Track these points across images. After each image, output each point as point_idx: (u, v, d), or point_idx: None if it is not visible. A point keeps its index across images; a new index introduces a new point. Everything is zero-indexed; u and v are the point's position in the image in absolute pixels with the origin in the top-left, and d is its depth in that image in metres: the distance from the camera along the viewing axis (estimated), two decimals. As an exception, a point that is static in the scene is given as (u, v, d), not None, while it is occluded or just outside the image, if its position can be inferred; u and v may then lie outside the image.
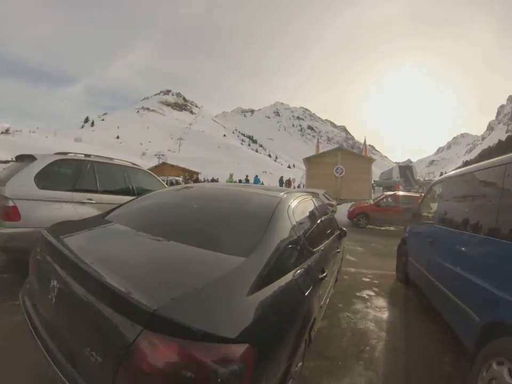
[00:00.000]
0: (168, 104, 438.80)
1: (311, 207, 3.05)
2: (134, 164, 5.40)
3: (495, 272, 2.38)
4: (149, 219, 2.36)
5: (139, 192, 4.75)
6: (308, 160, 26.06)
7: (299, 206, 2.59)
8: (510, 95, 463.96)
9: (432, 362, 2.85)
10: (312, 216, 2.93)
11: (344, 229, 4.35)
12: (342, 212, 14.50)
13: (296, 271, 1.88)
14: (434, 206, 4.44)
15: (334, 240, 3.49)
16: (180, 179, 23.46)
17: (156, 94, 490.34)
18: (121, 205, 2.75)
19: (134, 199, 2.93)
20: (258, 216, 2.13)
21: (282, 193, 2.56)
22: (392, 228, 13.55)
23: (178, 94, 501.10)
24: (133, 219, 2.36)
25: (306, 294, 1.88)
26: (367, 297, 4.48)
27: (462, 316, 2.63)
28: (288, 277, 1.77)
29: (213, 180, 40.83)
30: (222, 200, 2.58)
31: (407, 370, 2.69)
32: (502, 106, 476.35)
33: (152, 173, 5.85)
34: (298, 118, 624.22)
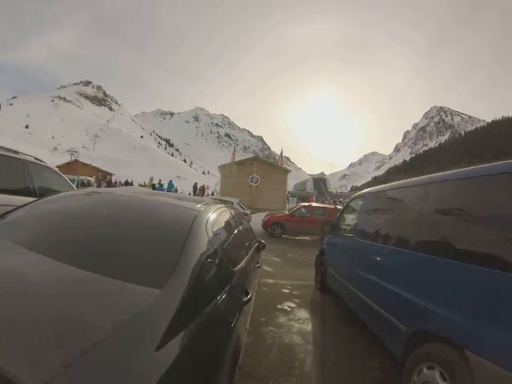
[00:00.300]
0: (86, 97, 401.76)
1: (230, 221, 2.79)
2: (37, 159, 4.51)
3: (419, 284, 2.56)
4: (34, 232, 1.82)
5: (42, 193, 3.95)
6: (223, 168, 26.06)
7: (218, 219, 2.31)
8: (414, 123, 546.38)
9: (362, 369, 2.93)
10: (231, 230, 2.68)
11: (263, 241, 4.26)
12: (256, 221, 14.66)
13: (219, 300, 1.64)
14: (353, 219, 4.65)
15: (254, 254, 3.32)
16: (92, 179, 21.38)
17: (75, 84, 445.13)
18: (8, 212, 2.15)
19: (32, 201, 2.34)
20: (174, 233, 1.79)
21: (199, 205, 2.25)
22: (307, 238, 14.20)
23: (99, 88, 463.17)
24: (14, 231, 1.83)
25: (232, 324, 1.69)
26: (289, 309, 4.45)
27: (388, 325, 2.78)
28: (211, 309, 1.51)
29: (126, 183, 37.95)
30: (132, 213, 2.13)
31: (341, 381, 2.72)
32: (407, 132, 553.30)
33: (59, 172, 5.04)
34: (217, 125, 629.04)
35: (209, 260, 1.73)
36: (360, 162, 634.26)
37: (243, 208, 14.31)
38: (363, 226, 4.15)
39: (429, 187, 2.93)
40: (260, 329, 3.57)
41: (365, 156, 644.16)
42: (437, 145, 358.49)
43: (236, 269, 2.17)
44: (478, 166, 2.51)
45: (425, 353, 2.21)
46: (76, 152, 69.32)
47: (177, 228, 1.85)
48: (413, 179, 3.45)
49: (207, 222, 2.00)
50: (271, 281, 5.92)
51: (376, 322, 3.16)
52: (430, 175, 3.12)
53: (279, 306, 4.47)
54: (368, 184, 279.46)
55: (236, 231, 2.80)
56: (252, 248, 3.30)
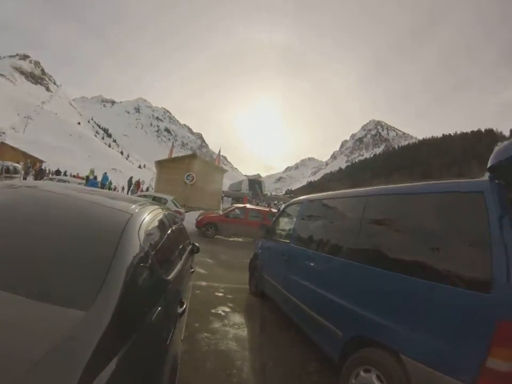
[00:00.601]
0: (22, 72, 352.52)
1: (165, 224, 2.57)
2: None
3: (356, 292, 2.72)
4: None
5: None
6: (159, 163, 25.23)
7: (153, 223, 2.10)
8: (353, 133, 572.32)
9: (301, 373, 3.00)
10: (166, 235, 2.46)
11: (197, 244, 4.04)
12: (189, 220, 14.38)
13: (153, 316, 1.49)
14: (290, 225, 4.72)
15: (188, 259, 3.15)
16: (19, 166, 19.08)
17: (10, 56, 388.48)
18: None
19: None
20: (103, 242, 1.55)
21: (133, 206, 2.02)
22: (240, 240, 14.27)
23: (37, 64, 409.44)
24: None
25: (168, 341, 1.57)
26: (223, 314, 4.40)
27: (324, 331, 2.91)
28: (145, 327, 1.37)
29: (58, 172, 34.53)
30: (54, 217, 1.79)
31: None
32: (345, 141, 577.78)
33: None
34: (157, 118, 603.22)
35: (142, 272, 1.57)
36: (296, 166, 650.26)
37: (177, 206, 13.97)
38: (300, 232, 4.24)
39: (368, 199, 3.10)
40: (195, 335, 3.48)
41: (302, 160, 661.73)
42: (372, 156, 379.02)
43: (170, 277, 2.01)
44: (412, 184, 2.76)
45: (362, 358, 2.35)
46: (3, 133, 61.52)
47: (106, 235, 1.61)
48: (351, 190, 3.63)
49: (140, 226, 1.79)
50: (204, 284, 5.82)
51: (312, 328, 3.26)
52: (368, 188, 3.31)
53: (213, 311, 4.40)
54: (303, 188, 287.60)
55: (170, 236, 2.59)
56: (185, 252, 3.15)
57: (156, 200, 13.07)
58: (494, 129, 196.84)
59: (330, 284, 3.11)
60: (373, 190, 3.20)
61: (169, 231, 2.58)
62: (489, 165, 2.22)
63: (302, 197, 4.93)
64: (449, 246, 2.19)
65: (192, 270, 3.32)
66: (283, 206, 5.92)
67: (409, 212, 2.63)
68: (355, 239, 3.00)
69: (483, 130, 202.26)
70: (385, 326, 2.29)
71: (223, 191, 30.61)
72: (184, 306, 2.03)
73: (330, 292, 3.02)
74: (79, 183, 16.81)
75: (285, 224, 5.22)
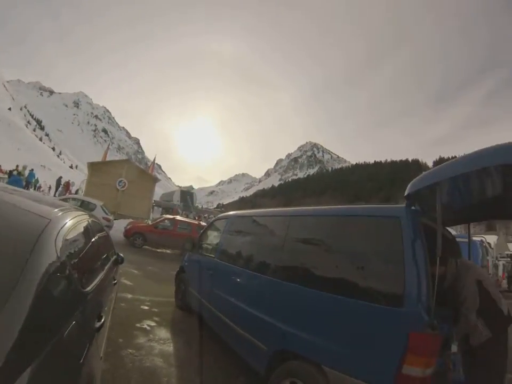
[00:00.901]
0: None
1: (87, 232, 2.35)
2: None
3: (278, 308, 2.86)
4: None
5: None
6: (92, 166, 23.48)
7: (73, 231, 1.91)
8: (289, 153, 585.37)
9: None
10: (87, 244, 2.26)
11: (121, 254, 3.77)
12: (118, 228, 13.64)
13: (65, 332, 1.36)
14: (216, 240, 4.73)
15: (111, 270, 2.95)
16: None
17: None
18: None
19: None
20: (14, 250, 1.37)
21: (54, 211, 1.81)
22: (168, 251, 13.82)
23: None
24: None
25: (82, 359, 1.45)
26: (148, 328, 4.22)
27: (250, 345, 2.98)
28: (56, 344, 1.25)
29: None
30: None
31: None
32: (280, 160, 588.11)
33: None
34: (96, 116, 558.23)
35: (56, 283, 1.43)
36: (230, 181, 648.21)
37: (106, 213, 13.11)
38: (225, 248, 4.27)
39: (291, 219, 3.25)
40: (118, 352, 3.29)
41: (235, 175, 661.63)
42: (305, 176, 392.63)
43: (89, 289, 1.86)
44: (335, 207, 3.00)
45: (287, 371, 2.46)
46: None
47: (19, 242, 1.41)
48: (276, 209, 3.81)
49: (58, 233, 1.61)
50: (129, 296, 5.53)
51: (238, 343, 3.30)
52: (292, 208, 3.50)
53: (138, 325, 4.21)
54: (234, 203, 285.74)
55: (93, 245, 2.39)
56: (109, 262, 2.95)
57: (84, 205, 12.24)
58: (420, 159, 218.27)
59: (254, 300, 3.19)
60: (296, 210, 3.38)
61: (92, 240, 2.39)
62: (405, 193, 2.49)
63: (229, 212, 5.02)
64: (368, 266, 2.39)
65: (115, 281, 3.12)
66: (211, 220, 5.91)
67: (331, 233, 2.81)
68: (278, 257, 3.12)
69: (410, 160, 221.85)
70: (307, 340, 2.42)
71: (154, 201, 29.58)
72: (103, 320, 1.88)
73: (253, 307, 3.10)
74: (-1, 178, 15.06)
75: (211, 238, 5.20)
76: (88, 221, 2.45)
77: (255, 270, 3.37)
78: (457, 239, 3.55)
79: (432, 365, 1.97)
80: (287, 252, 3.06)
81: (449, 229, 3.70)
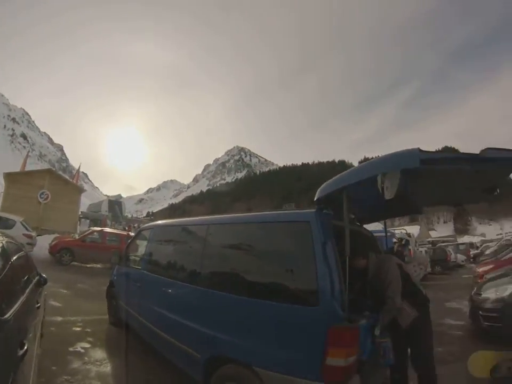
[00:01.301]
0: None
1: (2, 254, 2.16)
2: None
3: (206, 315, 2.90)
4: None
5: None
6: (9, 176, 20.50)
7: None
8: (216, 158, 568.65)
9: None
10: (2, 267, 2.04)
11: (44, 275, 3.61)
12: (42, 245, 12.46)
13: None
14: (141, 251, 4.66)
15: (33, 293, 2.76)
16: None
17: None
18: None
19: None
20: None
21: None
22: (99, 266, 13.00)
23: None
24: None
25: None
26: (83, 351, 4.04)
27: (184, 354, 2.99)
28: None
29: None
30: None
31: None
32: (208, 165, 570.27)
33: None
34: (14, 120, 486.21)
35: None
36: (159, 188, 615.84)
37: (27, 229, 11.88)
38: (151, 258, 4.21)
39: (210, 228, 3.31)
40: (53, 380, 3.12)
41: (164, 182, 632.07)
42: (233, 180, 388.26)
43: (7, 316, 1.70)
44: (252, 214, 3.16)
45: (223, 375, 2.53)
46: None
47: None
48: (195, 218, 3.85)
49: None
50: (59, 319, 5.20)
51: (173, 353, 3.28)
52: (211, 217, 3.57)
53: (71, 349, 3.99)
54: (164, 211, 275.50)
55: (10, 268, 2.19)
56: (30, 285, 2.74)
57: (1, 222, 11.03)
58: (346, 160, 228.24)
59: (183, 309, 3.20)
60: (214, 219, 3.45)
61: (8, 263, 2.20)
62: (315, 198, 2.66)
63: (152, 223, 4.98)
64: (284, 269, 2.50)
65: (39, 304, 2.91)
66: (137, 231, 5.77)
67: (248, 239, 2.90)
68: (200, 265, 3.15)
69: (337, 161, 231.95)
70: (236, 344, 2.48)
71: (81, 212, 27.58)
72: (26, 348, 1.73)
73: (183, 316, 3.10)
74: None
75: (137, 249, 5.10)
76: (2, 241, 2.29)
77: (180, 279, 3.36)
78: (378, 234, 4.00)
79: (354, 354, 2.14)
80: (208, 260, 3.09)
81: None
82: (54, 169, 34.72)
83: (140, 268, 4.32)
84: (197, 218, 3.85)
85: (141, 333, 4.08)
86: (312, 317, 2.17)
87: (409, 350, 2.96)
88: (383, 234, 5.53)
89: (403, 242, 4.46)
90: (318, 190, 2.62)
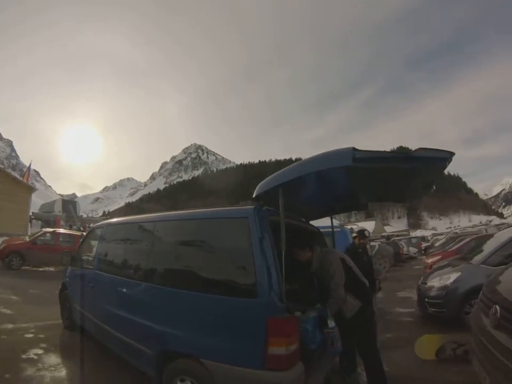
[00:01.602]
0: None
1: None
2: None
3: (155, 311, 2.90)
4: None
5: None
6: None
7: None
8: (173, 156, 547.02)
9: None
10: None
11: None
12: (-11, 250, 11.74)
13: None
14: (93, 250, 4.58)
15: None
16: None
17: None
18: None
19: None
20: None
21: None
22: (52, 269, 12.41)
23: None
24: None
25: None
26: (36, 357, 3.96)
27: (136, 352, 3.01)
28: None
29: None
30: None
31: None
32: (165, 162, 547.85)
33: None
34: None
35: None
36: (115, 186, 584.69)
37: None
38: (102, 258, 4.15)
39: (157, 225, 3.35)
40: (6, 388, 3.05)
41: (120, 180, 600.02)
42: (190, 178, 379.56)
43: None
44: (194, 211, 3.18)
45: (174, 370, 2.53)
46: None
47: None
48: (144, 216, 3.84)
49: None
50: (10, 326, 5.03)
51: (126, 352, 3.27)
52: (158, 214, 3.59)
53: (24, 356, 3.90)
54: (121, 210, 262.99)
55: None
56: None
57: None
58: (303, 158, 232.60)
59: (133, 306, 3.18)
60: (161, 216, 3.46)
61: None
62: (254, 195, 2.68)
63: (103, 222, 4.87)
64: (225, 264, 2.59)
65: None
66: (88, 230, 5.66)
67: (192, 235, 2.94)
68: (148, 262, 3.15)
69: (294, 158, 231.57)
70: (184, 338, 2.52)
71: (32, 213, 26.02)
72: None
73: (133, 314, 3.09)
74: None
75: (88, 249, 4.98)
76: None
77: (130, 277, 3.33)
78: (331, 229, 4.16)
79: (295, 342, 2.22)
80: (155, 256, 3.12)
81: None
82: (2, 166, 32.34)
83: (91, 267, 4.23)
84: (145, 215, 3.82)
85: (96, 335, 4.01)
86: (252, 308, 2.26)
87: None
88: (339, 229, 5.92)
89: (366, 233, 4.67)
90: (257, 187, 2.67)
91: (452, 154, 2.30)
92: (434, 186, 2.98)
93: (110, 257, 4.05)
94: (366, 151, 2.10)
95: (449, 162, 2.34)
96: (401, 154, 2.24)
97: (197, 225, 2.97)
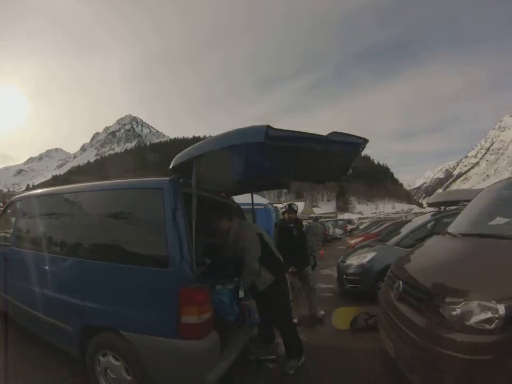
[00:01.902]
0: None
1: None
2: None
3: (73, 285, 2.78)
4: None
5: None
6: None
7: None
8: (106, 126, 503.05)
9: (53, 381, 2.87)
10: None
11: None
12: None
13: None
14: (10, 226, 4.18)
15: None
16: None
17: None
18: None
19: None
20: None
21: None
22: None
23: None
24: None
25: None
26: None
27: (57, 331, 2.84)
28: None
29: None
30: None
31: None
32: (97, 133, 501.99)
33: None
34: None
35: None
36: (41, 157, 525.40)
37: None
38: (19, 233, 3.80)
39: (76, 196, 3.16)
40: None
41: (47, 151, 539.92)
42: (123, 150, 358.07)
43: None
44: (110, 182, 3.07)
45: (96, 345, 2.46)
46: None
47: None
48: (64, 187, 3.58)
49: None
50: None
51: (47, 331, 3.07)
52: (75, 185, 3.40)
53: None
54: (47, 183, 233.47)
55: None
56: None
57: None
58: None
59: (52, 282, 3.00)
60: (79, 187, 3.27)
61: None
62: (170, 166, 2.60)
63: (21, 195, 4.37)
64: (140, 234, 2.54)
65: None
66: (6, 204, 4.91)
67: (110, 206, 2.82)
68: (65, 235, 3.01)
69: None
70: (102, 311, 2.44)
71: None
72: None
73: (52, 290, 2.93)
74: None
75: (6, 225, 4.50)
76: None
77: (47, 251, 3.15)
78: (251, 206, 4.15)
79: (207, 311, 2.23)
80: (74, 228, 2.98)
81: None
82: None
83: (8, 244, 3.84)
84: (66, 187, 3.54)
85: (15, 316, 3.67)
86: (164, 278, 2.25)
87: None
88: (263, 207, 6.23)
89: (294, 207, 4.70)
90: (174, 158, 2.60)
91: (366, 141, 2.40)
92: (351, 170, 3.09)
93: (28, 232, 3.69)
94: (280, 129, 2.11)
95: (363, 148, 2.43)
96: (316, 135, 2.26)
97: (114, 195, 2.86)
